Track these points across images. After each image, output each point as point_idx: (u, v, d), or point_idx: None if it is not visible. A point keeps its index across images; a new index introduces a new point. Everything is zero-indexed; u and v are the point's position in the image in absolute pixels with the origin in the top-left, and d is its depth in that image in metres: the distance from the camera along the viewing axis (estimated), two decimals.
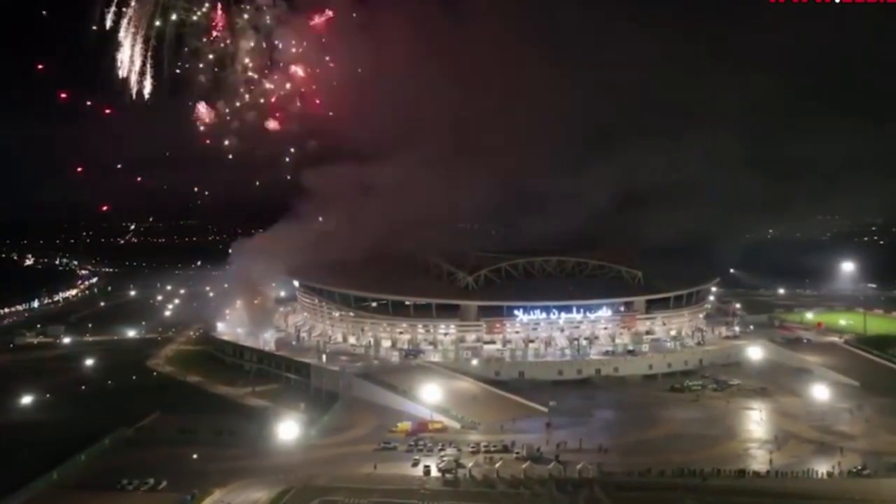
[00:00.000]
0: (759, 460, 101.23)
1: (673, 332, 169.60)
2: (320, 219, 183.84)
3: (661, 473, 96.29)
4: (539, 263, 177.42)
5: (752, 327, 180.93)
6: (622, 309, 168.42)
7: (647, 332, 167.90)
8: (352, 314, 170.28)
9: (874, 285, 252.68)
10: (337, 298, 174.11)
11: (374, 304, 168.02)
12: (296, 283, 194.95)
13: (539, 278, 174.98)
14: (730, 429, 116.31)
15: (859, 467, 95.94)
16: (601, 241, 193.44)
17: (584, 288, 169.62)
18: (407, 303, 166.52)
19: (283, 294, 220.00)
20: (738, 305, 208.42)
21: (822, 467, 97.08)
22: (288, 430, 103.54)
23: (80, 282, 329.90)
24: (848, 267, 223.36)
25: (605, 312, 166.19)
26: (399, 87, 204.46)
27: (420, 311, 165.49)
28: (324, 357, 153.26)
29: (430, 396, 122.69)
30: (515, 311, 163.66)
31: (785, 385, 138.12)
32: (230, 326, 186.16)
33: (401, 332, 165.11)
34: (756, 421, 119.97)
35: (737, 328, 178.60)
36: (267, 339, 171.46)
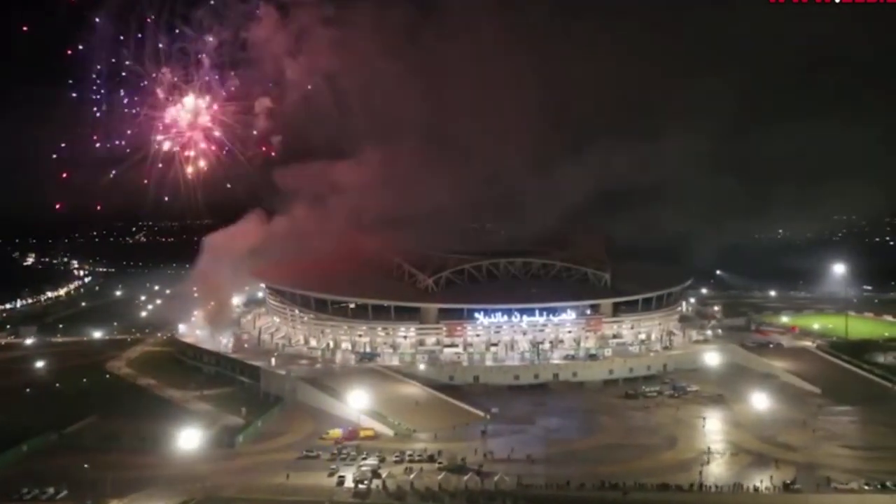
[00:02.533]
0: (690, 473, 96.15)
1: (642, 336, 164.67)
2: (282, 218, 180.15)
3: (581, 486, 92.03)
4: (503, 265, 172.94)
5: (720, 331, 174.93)
6: (588, 312, 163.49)
7: (615, 336, 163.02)
8: (312, 316, 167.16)
9: (870, 287, 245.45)
10: (297, 300, 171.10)
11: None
12: (262, 285, 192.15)
13: (503, 280, 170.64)
14: (671, 439, 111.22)
15: (789, 481, 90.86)
16: (574, 243, 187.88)
17: (547, 290, 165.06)
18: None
19: (259, 295, 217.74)
20: (716, 308, 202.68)
21: (752, 481, 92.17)
22: (189, 438, 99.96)
23: (72, 282, 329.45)
24: (840, 269, 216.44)
25: (569, 315, 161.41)
26: (369, 84, 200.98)
27: (379, 313, 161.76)
28: (272, 360, 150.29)
29: (361, 402, 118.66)
30: (476, 314, 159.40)
31: (743, 392, 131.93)
32: (191, 328, 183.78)
33: (360, 335, 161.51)
34: (700, 430, 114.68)
35: (709, 332, 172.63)
36: (222, 342, 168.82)
